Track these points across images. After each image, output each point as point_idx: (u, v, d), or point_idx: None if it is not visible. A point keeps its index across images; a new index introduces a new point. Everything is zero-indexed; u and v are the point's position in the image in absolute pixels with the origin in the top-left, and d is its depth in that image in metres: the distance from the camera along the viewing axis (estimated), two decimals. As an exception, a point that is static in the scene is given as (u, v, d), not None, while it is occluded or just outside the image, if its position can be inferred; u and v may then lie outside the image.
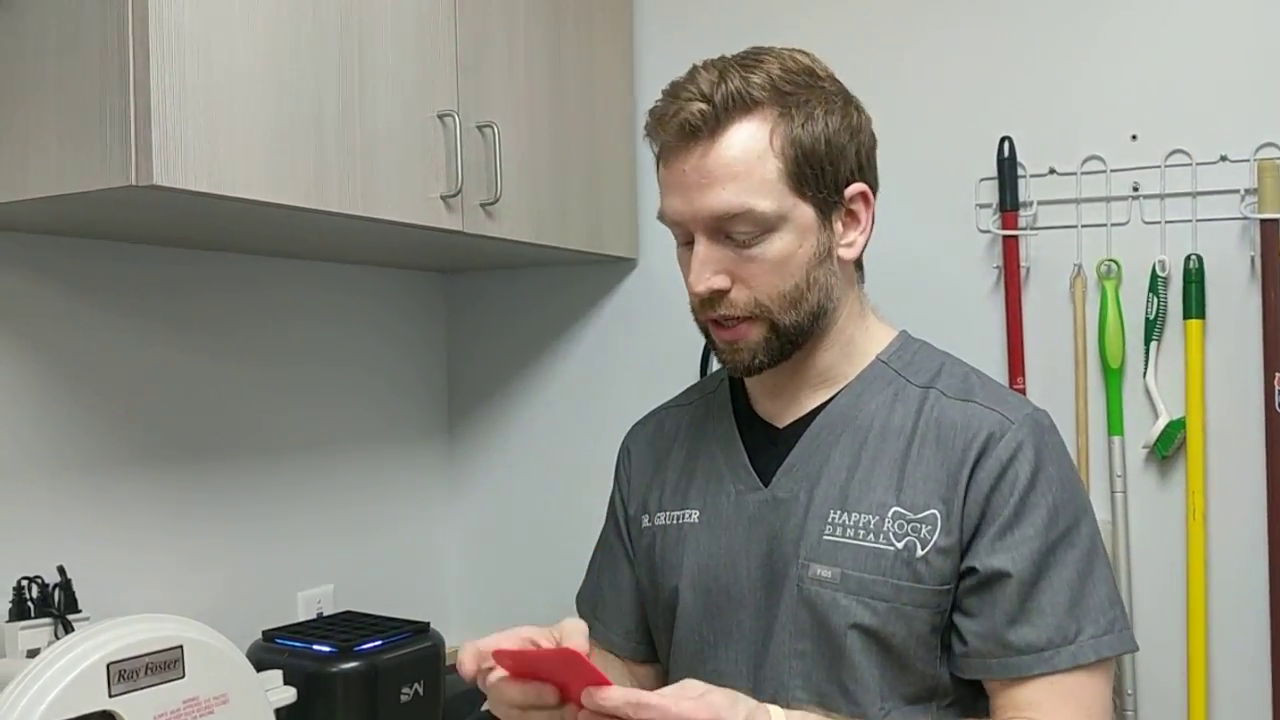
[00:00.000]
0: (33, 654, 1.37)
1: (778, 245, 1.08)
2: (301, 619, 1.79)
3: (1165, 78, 1.67)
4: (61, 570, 1.43)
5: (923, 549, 1.07)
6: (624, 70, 1.98)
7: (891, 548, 1.08)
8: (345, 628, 1.62)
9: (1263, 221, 1.59)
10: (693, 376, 1.94)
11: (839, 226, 1.12)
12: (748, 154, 1.07)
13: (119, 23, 1.14)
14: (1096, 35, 1.71)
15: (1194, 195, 1.65)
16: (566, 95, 1.82)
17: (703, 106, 1.06)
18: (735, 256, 1.08)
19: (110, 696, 1.08)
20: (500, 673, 0.94)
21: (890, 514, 1.09)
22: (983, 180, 1.77)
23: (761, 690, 1.10)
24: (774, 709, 0.96)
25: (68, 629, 1.39)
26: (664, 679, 1.29)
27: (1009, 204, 1.73)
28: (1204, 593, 1.63)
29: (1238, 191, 1.62)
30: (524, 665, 0.92)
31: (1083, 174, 1.71)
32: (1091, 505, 1.13)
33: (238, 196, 1.23)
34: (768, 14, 1.91)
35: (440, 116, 1.52)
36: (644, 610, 1.27)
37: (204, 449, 1.70)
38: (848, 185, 1.12)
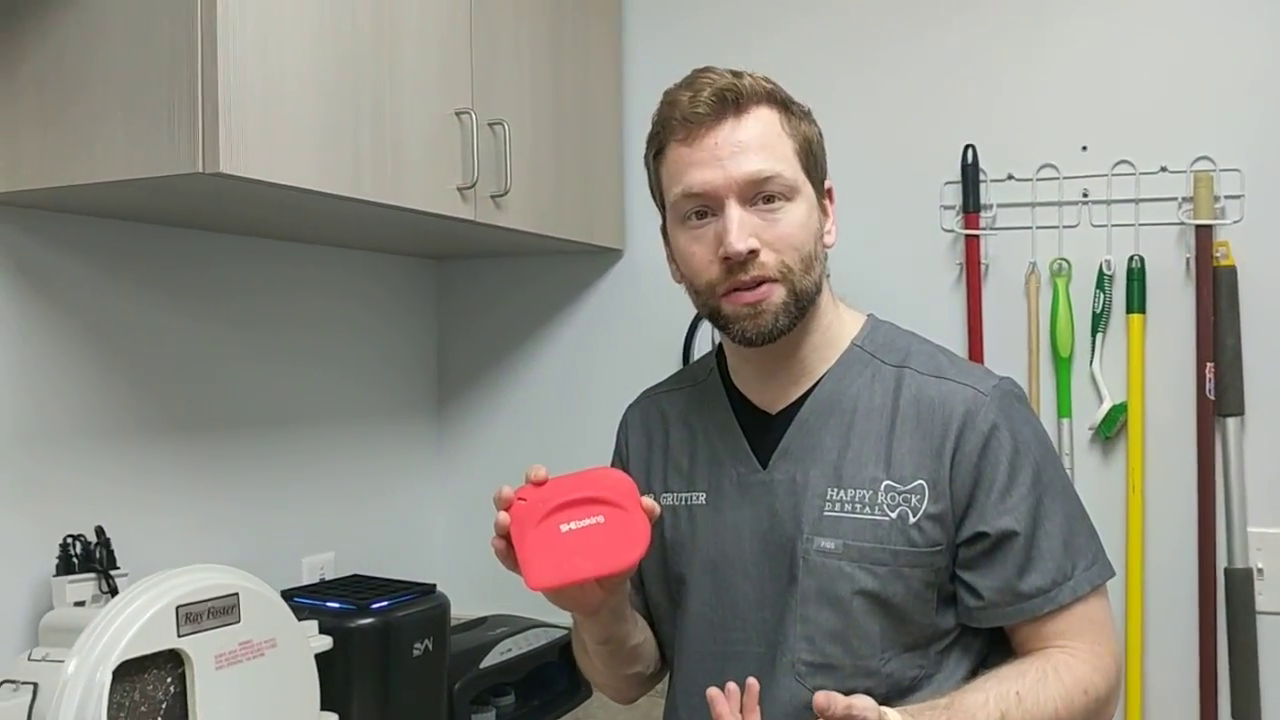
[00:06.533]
0: (79, 605, 1.47)
1: (796, 213, 1.19)
2: (306, 582, 1.89)
3: (1113, 95, 1.84)
4: (100, 530, 1.53)
5: (914, 516, 1.18)
6: (614, 73, 2.11)
7: (886, 518, 1.19)
8: (358, 588, 1.72)
9: (1197, 227, 1.76)
10: (675, 361, 2.07)
11: (821, 216, 1.25)
12: (770, 130, 1.20)
13: (188, 25, 1.25)
14: (1054, 56, 1.88)
15: (1137, 202, 1.82)
16: (564, 95, 1.94)
17: (732, 83, 1.19)
18: (762, 223, 1.18)
19: (179, 636, 1.19)
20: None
21: (882, 487, 1.20)
22: (947, 184, 1.92)
23: (772, 652, 1.21)
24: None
25: (110, 583, 1.49)
26: (653, 629, 1.38)
27: (971, 206, 1.89)
28: (1141, 558, 1.80)
29: (1175, 199, 1.79)
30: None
31: (1038, 180, 1.87)
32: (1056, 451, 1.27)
33: (290, 185, 1.34)
34: (747, 26, 2.05)
35: (458, 114, 1.64)
36: (639, 573, 1.35)
37: (218, 420, 1.80)
38: (823, 182, 1.26)
